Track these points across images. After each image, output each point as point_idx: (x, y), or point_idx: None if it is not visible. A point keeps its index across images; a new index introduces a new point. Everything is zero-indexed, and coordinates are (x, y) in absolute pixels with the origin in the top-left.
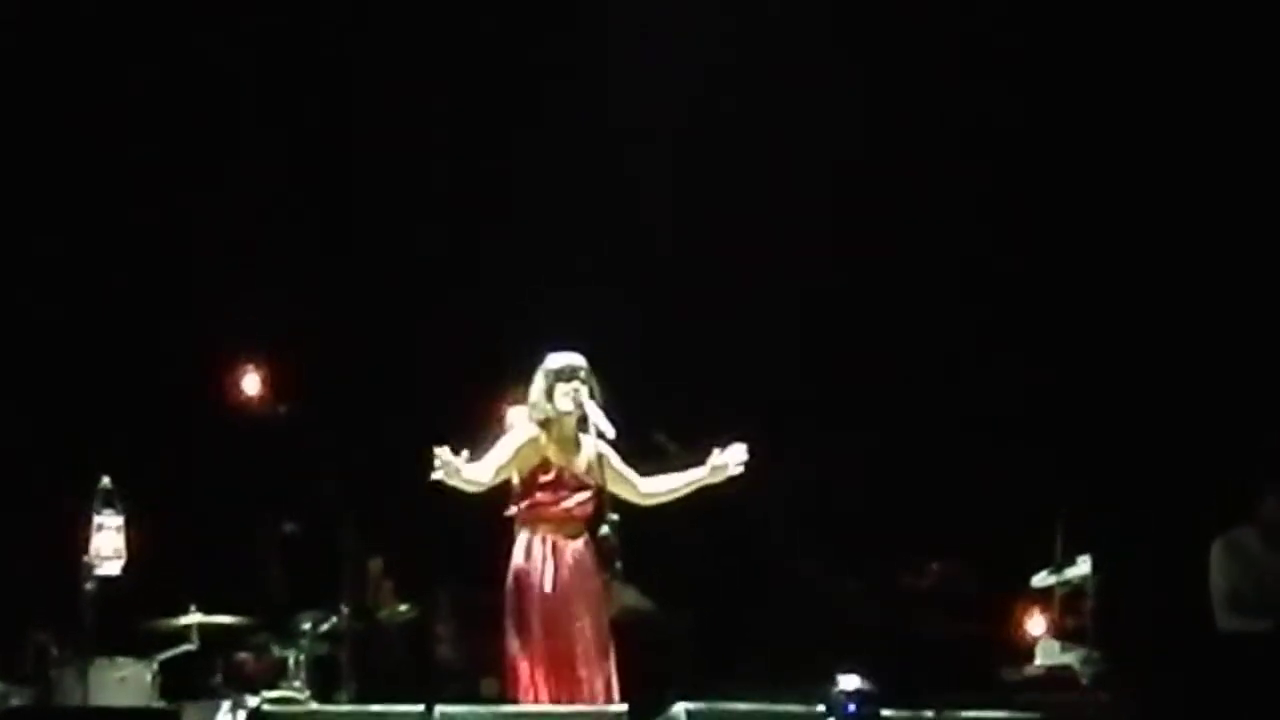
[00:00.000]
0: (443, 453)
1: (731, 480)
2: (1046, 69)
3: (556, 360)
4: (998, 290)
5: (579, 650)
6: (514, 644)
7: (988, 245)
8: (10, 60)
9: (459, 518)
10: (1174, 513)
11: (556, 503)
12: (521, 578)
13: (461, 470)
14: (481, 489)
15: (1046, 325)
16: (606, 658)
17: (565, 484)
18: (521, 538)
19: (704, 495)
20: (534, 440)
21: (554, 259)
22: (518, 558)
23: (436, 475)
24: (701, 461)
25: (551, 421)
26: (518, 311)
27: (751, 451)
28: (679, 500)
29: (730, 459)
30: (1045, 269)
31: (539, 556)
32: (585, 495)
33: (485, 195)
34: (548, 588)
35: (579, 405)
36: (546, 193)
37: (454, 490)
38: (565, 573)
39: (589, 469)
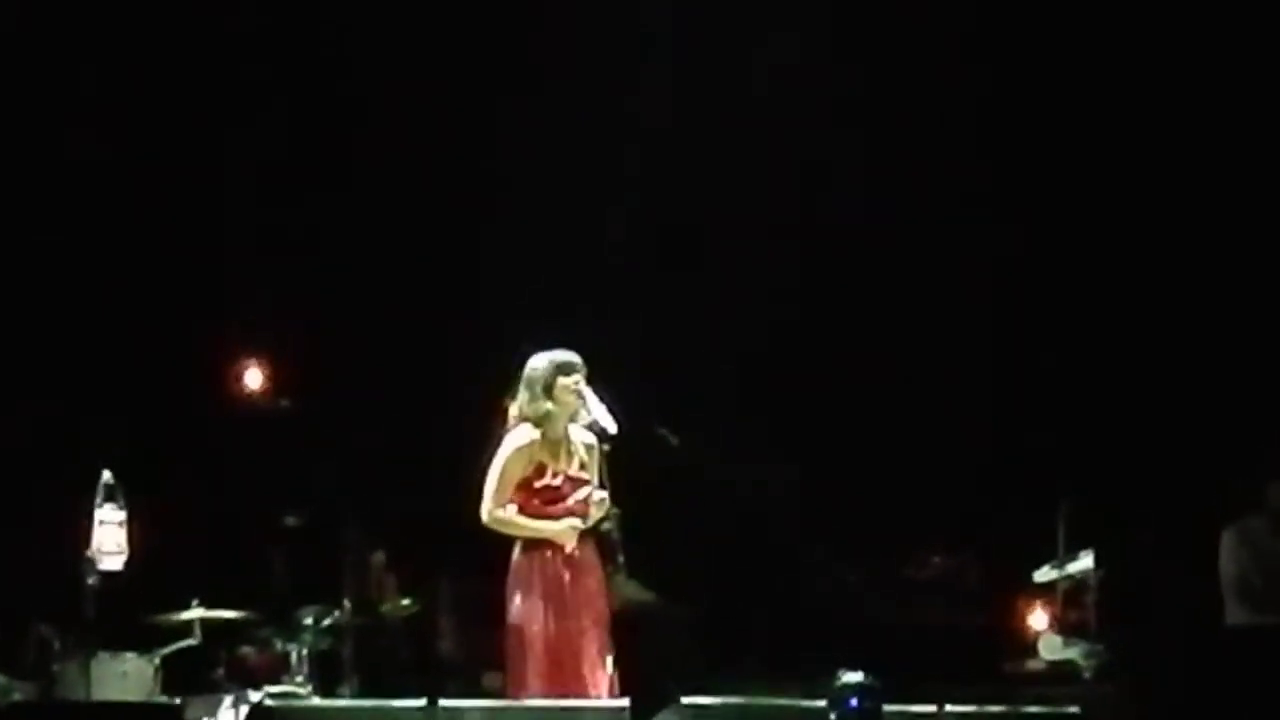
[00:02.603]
0: None
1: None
2: (1048, 59)
3: (555, 356)
4: (1000, 283)
5: (581, 645)
6: (516, 640)
7: (988, 239)
8: (13, 54)
9: (461, 512)
10: (1177, 505)
11: (556, 502)
12: (522, 575)
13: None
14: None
15: (1049, 318)
16: (609, 652)
17: (561, 485)
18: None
19: (708, 489)
20: (523, 448)
21: (554, 257)
22: (518, 555)
23: None
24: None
25: (545, 421)
26: (519, 308)
27: (754, 445)
28: (683, 494)
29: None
30: (1047, 261)
31: (539, 554)
32: (583, 491)
33: (486, 193)
34: (550, 583)
35: (581, 398)
36: (546, 191)
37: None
38: (566, 570)
39: (582, 464)
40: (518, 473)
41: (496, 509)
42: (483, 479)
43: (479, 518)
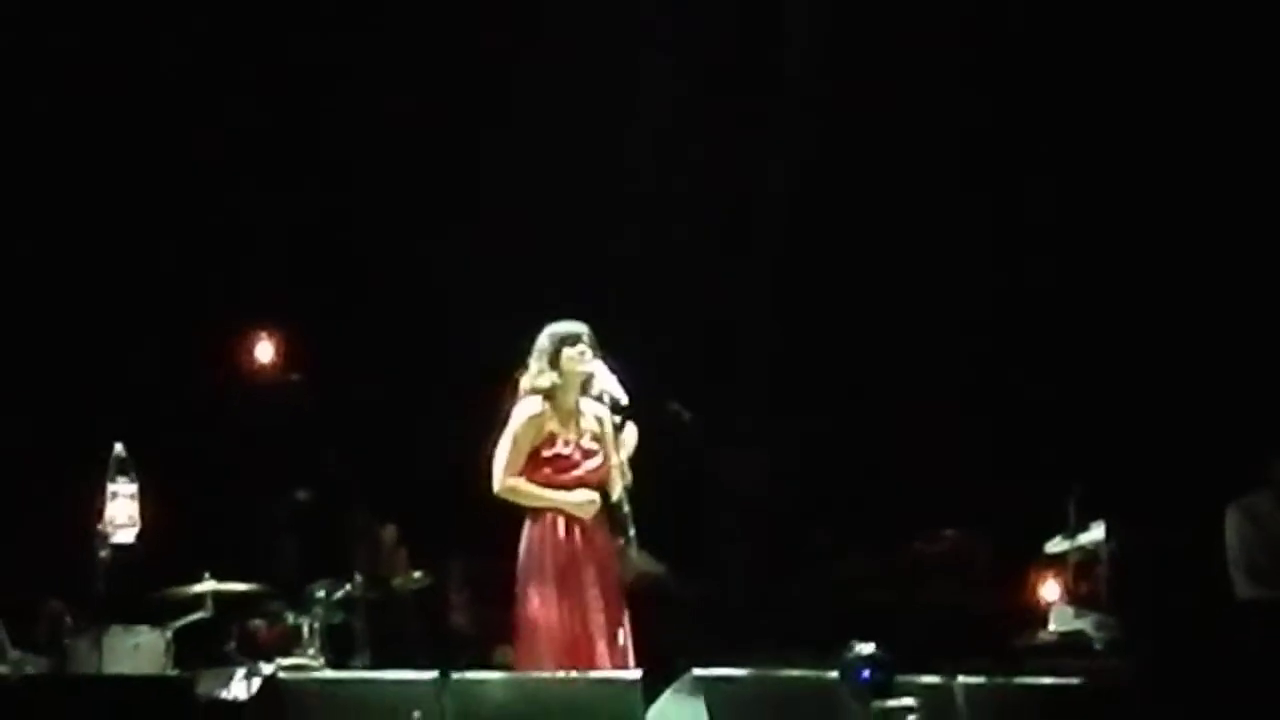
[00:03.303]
0: None
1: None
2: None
3: (559, 327)
4: (1011, 260)
5: (592, 618)
6: (527, 612)
7: (998, 217)
8: (20, 36)
9: (472, 485)
10: (1188, 478)
11: (566, 471)
12: (535, 546)
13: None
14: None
15: (1059, 293)
16: (620, 625)
17: (571, 453)
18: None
19: (719, 460)
20: (534, 417)
21: (569, 231)
22: (529, 527)
23: None
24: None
25: (554, 391)
26: (529, 283)
27: (764, 422)
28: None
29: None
30: (1055, 239)
31: (551, 525)
32: (595, 462)
33: (499, 171)
34: (561, 556)
35: (587, 370)
36: (555, 170)
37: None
38: (578, 540)
39: (595, 437)
40: (528, 442)
41: (508, 478)
42: (494, 452)
43: (490, 490)
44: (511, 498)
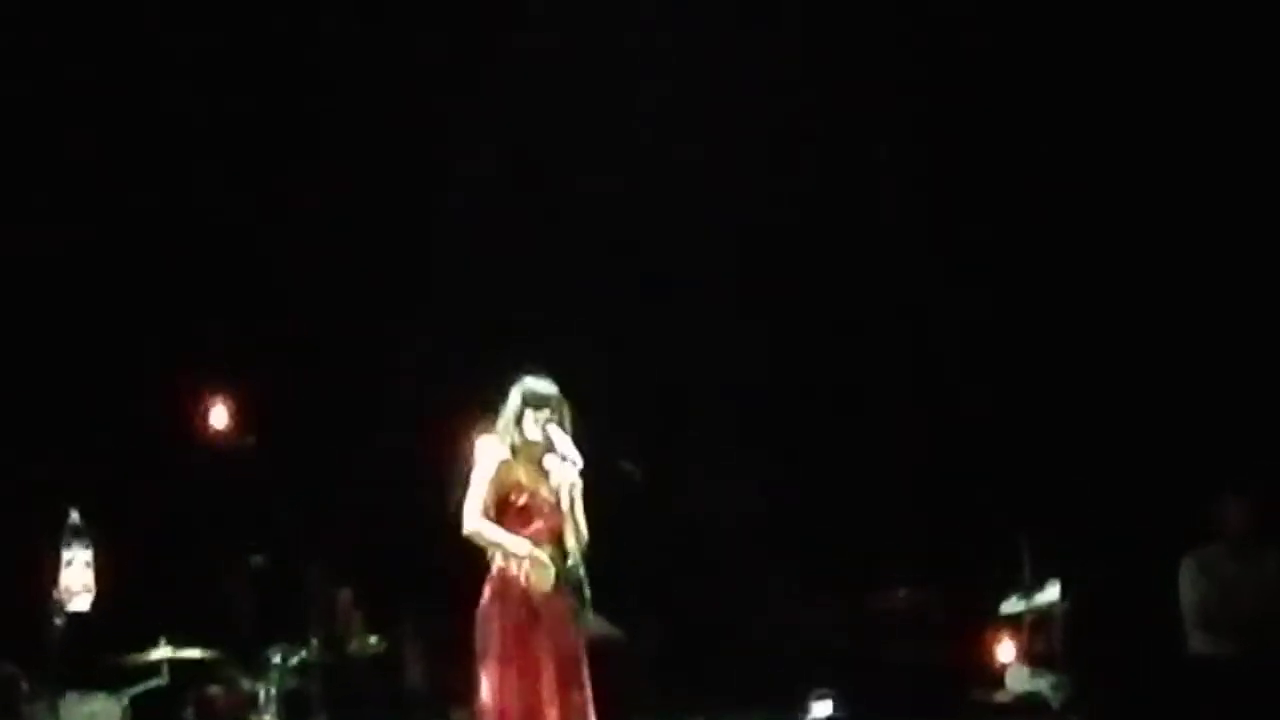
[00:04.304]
0: None
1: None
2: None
3: (529, 387)
4: (959, 316)
5: (547, 677)
6: (484, 672)
7: (944, 273)
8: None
9: (428, 546)
10: (1142, 536)
11: (528, 524)
12: (493, 603)
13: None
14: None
15: (1009, 349)
16: (577, 684)
17: (537, 506)
18: (496, 561)
19: (675, 519)
20: (503, 462)
21: (521, 290)
22: (491, 581)
23: None
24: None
25: (518, 446)
26: (485, 343)
27: (718, 478)
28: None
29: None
30: (1004, 293)
31: (515, 581)
32: (558, 517)
33: (450, 226)
34: (519, 618)
35: (546, 435)
36: (511, 222)
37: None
38: (536, 600)
39: (558, 493)
40: (497, 484)
41: (482, 518)
42: (456, 508)
43: (446, 550)
44: (479, 541)
